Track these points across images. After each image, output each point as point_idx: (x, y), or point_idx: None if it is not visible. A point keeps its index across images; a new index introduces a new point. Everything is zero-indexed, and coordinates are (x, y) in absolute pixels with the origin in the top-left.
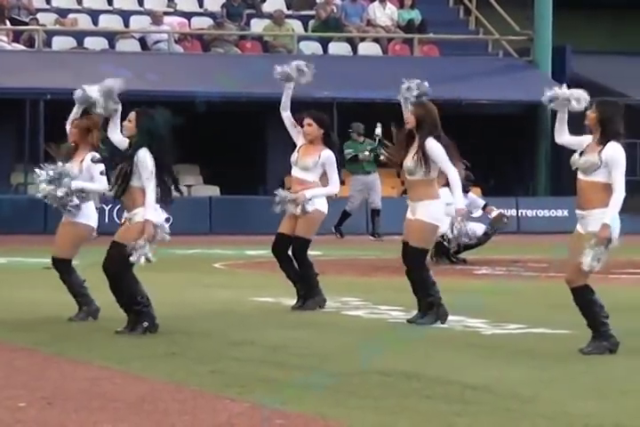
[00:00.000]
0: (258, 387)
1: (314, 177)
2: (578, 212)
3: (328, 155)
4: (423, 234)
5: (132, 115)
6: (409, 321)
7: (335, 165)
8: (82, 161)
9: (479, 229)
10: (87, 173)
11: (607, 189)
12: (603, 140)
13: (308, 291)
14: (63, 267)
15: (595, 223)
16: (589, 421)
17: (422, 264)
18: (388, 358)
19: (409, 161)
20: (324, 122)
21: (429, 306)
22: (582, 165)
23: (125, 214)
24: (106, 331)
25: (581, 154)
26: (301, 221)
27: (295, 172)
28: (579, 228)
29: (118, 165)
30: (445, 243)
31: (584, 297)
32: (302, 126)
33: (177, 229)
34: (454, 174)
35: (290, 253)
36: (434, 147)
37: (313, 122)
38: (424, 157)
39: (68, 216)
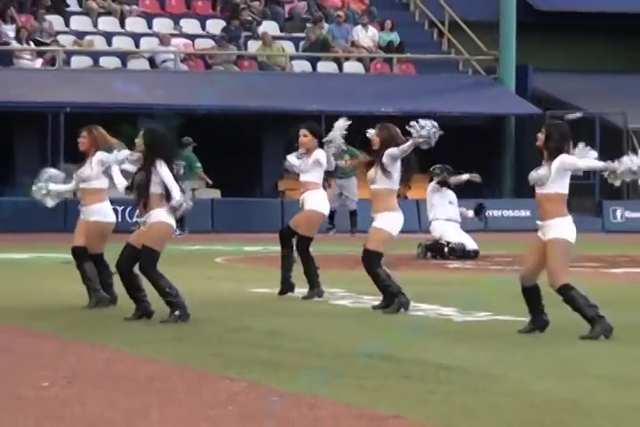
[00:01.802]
0: (255, 368)
1: (313, 177)
2: (538, 222)
3: (318, 151)
4: (377, 238)
5: (140, 133)
6: (374, 307)
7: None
8: (91, 162)
9: (469, 243)
10: (97, 167)
11: (561, 199)
12: (551, 158)
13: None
14: (82, 256)
15: (553, 231)
16: (549, 397)
17: (375, 265)
18: (372, 343)
19: (371, 172)
20: (319, 132)
21: (392, 296)
22: (534, 178)
23: (139, 218)
24: (119, 318)
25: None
26: (300, 217)
27: (300, 177)
28: (540, 234)
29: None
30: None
31: (566, 295)
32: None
33: None
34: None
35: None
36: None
37: (308, 133)
38: (382, 166)
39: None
